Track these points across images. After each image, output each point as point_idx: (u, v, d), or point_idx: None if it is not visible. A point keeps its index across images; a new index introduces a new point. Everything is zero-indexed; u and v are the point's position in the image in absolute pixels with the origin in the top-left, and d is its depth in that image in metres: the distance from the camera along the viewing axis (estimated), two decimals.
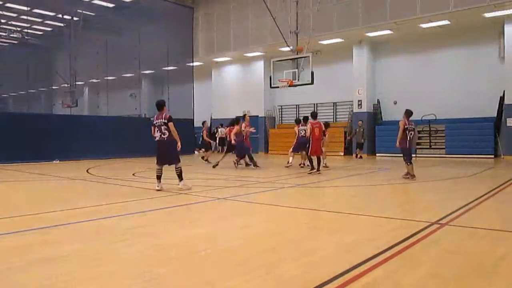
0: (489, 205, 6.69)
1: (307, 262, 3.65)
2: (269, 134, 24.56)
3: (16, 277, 3.35)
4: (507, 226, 5.21)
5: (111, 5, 21.99)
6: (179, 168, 8.41)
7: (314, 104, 23.64)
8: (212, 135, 27.04)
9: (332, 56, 22.28)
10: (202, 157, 16.84)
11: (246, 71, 25.79)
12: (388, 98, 21.05)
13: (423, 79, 19.85)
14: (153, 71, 26.11)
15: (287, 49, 17.31)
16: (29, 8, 20.87)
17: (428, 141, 19.27)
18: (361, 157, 19.11)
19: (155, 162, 8.50)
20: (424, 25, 17.95)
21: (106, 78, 21.99)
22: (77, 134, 17.82)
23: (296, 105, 24.44)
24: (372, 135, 20.51)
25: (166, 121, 8.27)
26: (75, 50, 21.93)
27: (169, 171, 8.75)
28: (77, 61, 22.37)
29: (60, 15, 23.52)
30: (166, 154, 8.40)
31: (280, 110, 25.16)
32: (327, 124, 14.31)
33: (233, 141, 13.76)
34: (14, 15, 23.84)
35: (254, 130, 15.29)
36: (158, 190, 8.21)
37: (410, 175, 10.07)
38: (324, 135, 13.31)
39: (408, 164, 10.08)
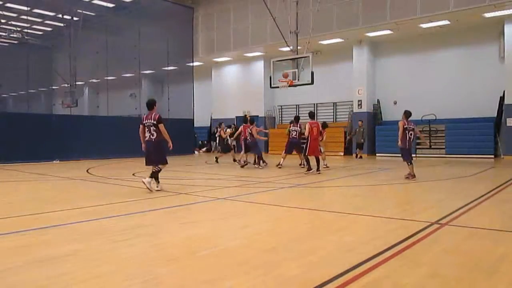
0: (489, 205, 6.69)
1: (307, 262, 3.65)
2: (269, 134, 24.54)
3: (16, 277, 3.35)
4: (507, 226, 5.21)
5: (111, 5, 21.97)
6: (159, 169, 8.24)
7: (314, 104, 23.63)
8: (212, 135, 27.10)
9: (332, 56, 22.30)
10: (216, 158, 16.67)
11: (246, 71, 25.79)
12: (388, 98, 21.04)
13: (423, 79, 19.85)
14: (153, 71, 26.09)
15: (287, 49, 17.31)
16: (29, 8, 20.85)
17: (428, 141, 19.26)
18: (361, 157, 19.11)
19: (144, 162, 8.40)
20: (424, 25, 17.95)
21: (106, 78, 21.96)
22: (77, 134, 17.82)
23: (296, 105, 24.43)
24: (372, 135, 20.51)
25: (155, 122, 8.14)
26: (75, 50, 21.91)
27: (168, 171, 8.75)
28: (77, 61, 22.36)
29: (60, 15, 23.50)
30: (153, 155, 8.25)
31: (280, 110, 25.16)
32: (324, 124, 14.30)
33: (255, 136, 14.32)
34: (14, 15, 23.83)
35: (266, 139, 15.49)
36: (158, 190, 8.18)
37: (410, 175, 10.09)
38: (322, 135, 13.35)
39: (409, 164, 10.12)
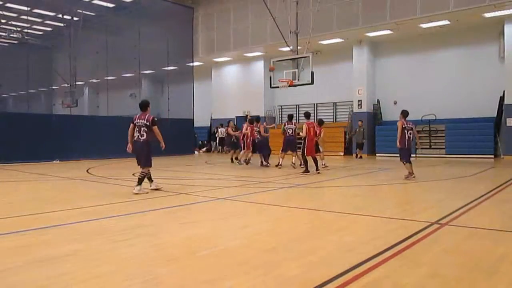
0: (489, 205, 6.69)
1: (307, 262, 3.65)
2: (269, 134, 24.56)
3: (16, 277, 3.35)
4: (507, 226, 5.21)
5: (111, 5, 21.97)
6: (144, 173, 8.09)
7: (314, 104, 23.65)
8: (212, 135, 27.11)
9: (332, 56, 22.30)
10: (235, 158, 16.09)
11: (246, 71, 25.79)
12: (388, 98, 21.04)
13: (423, 79, 19.85)
14: (153, 71, 26.07)
15: (287, 49, 17.31)
16: (29, 8, 20.85)
17: (428, 141, 19.27)
18: (361, 157, 19.11)
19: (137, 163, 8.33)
20: (424, 25, 17.95)
21: (106, 78, 21.95)
22: (77, 134, 17.81)
23: (296, 105, 24.44)
24: (372, 135, 20.51)
25: (148, 123, 7.99)
26: (75, 50, 21.90)
27: (168, 171, 8.75)
28: (77, 61, 22.34)
29: (60, 15, 23.49)
30: (139, 156, 8.16)
31: (280, 110, 25.17)
32: (321, 121, 14.27)
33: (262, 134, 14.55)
34: (14, 15, 23.82)
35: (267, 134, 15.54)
36: (154, 189, 8.18)
37: (410, 174, 10.10)
38: (319, 133, 13.38)
39: (404, 163, 10.17)
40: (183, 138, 22.57)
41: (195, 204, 7.14)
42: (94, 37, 21.67)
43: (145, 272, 3.44)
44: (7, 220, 5.72)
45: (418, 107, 19.43)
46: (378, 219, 5.51)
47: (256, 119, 15.17)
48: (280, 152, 13.96)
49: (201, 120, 26.38)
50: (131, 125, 8.18)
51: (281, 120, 25.17)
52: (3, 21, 25.11)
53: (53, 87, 28.38)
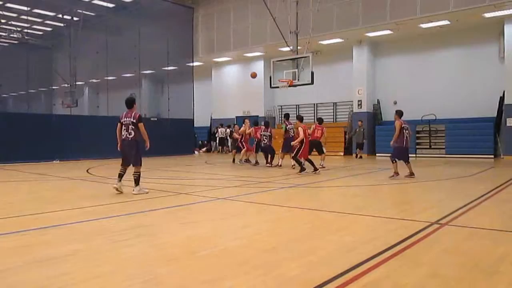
0: (489, 205, 6.69)
1: (307, 262, 3.65)
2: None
3: (16, 277, 3.35)
4: (507, 226, 5.21)
5: (111, 5, 21.97)
6: (138, 173, 7.91)
7: (314, 104, 23.66)
8: (212, 135, 27.10)
9: (332, 56, 22.30)
10: (244, 160, 15.72)
11: (246, 71, 25.77)
12: (388, 98, 21.04)
13: (423, 79, 19.85)
14: (153, 71, 26.07)
15: (287, 49, 17.32)
16: (29, 8, 20.85)
17: (428, 141, 19.27)
18: (361, 157, 19.11)
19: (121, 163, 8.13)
20: (424, 25, 17.95)
21: (106, 78, 21.95)
22: (77, 134, 17.81)
23: (296, 105, 24.44)
24: (372, 135, 20.50)
25: (135, 120, 7.81)
26: (75, 50, 21.90)
27: (168, 171, 8.74)
28: (77, 61, 22.35)
29: (60, 15, 23.49)
30: (129, 155, 7.95)
31: (280, 110, 25.16)
32: (321, 120, 14.25)
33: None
34: (14, 15, 23.81)
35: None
36: (115, 188, 7.78)
37: (395, 174, 10.29)
38: (322, 133, 13.48)
39: (393, 162, 10.33)
40: (183, 138, 22.58)
41: (195, 204, 7.14)
42: (94, 37, 21.67)
43: (145, 272, 3.44)
44: (7, 220, 5.72)
45: (418, 107, 19.45)
46: (378, 219, 5.51)
47: (266, 122, 14.90)
48: (280, 152, 13.98)
49: (201, 120, 26.38)
50: (118, 124, 8.01)
51: (281, 120, 25.18)
52: (3, 21, 25.10)
53: (53, 87, 28.36)
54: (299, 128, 11.73)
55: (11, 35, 25.70)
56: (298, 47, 16.72)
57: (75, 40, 21.61)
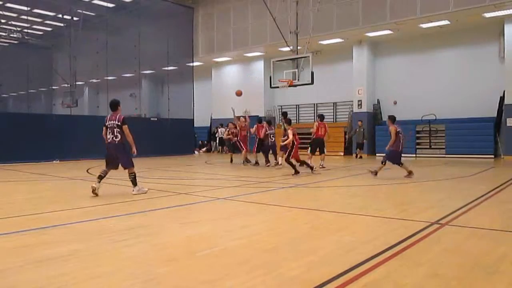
0: (489, 205, 6.69)
1: (307, 262, 3.65)
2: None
3: (16, 277, 3.35)
4: (507, 226, 5.21)
5: (111, 5, 21.97)
6: (133, 174, 7.81)
7: (314, 104, 23.66)
8: (212, 135, 27.10)
9: (332, 56, 22.31)
10: (246, 161, 15.45)
11: (246, 71, 25.79)
12: (388, 98, 21.05)
13: (423, 79, 19.85)
14: (153, 71, 26.08)
15: (287, 49, 17.31)
16: (29, 8, 20.85)
17: (428, 141, 19.27)
18: (361, 157, 19.11)
19: (105, 165, 7.93)
20: (424, 25, 17.95)
21: (106, 78, 21.96)
22: (77, 134, 17.81)
23: (296, 105, 24.45)
24: (372, 135, 20.51)
25: (119, 123, 7.68)
26: (75, 50, 21.91)
27: (168, 171, 8.72)
28: (77, 61, 22.35)
29: (60, 15, 23.50)
30: (117, 158, 7.78)
31: (280, 110, 25.15)
32: (322, 117, 14.22)
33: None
34: (14, 15, 23.83)
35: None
36: (93, 189, 7.51)
37: (374, 173, 10.48)
38: (325, 131, 13.60)
39: (383, 164, 10.54)
40: (183, 138, 22.58)
41: (195, 204, 7.14)
42: (94, 37, 21.67)
43: (145, 272, 3.44)
44: (7, 220, 5.72)
45: (418, 107, 19.47)
46: (378, 219, 5.51)
47: (269, 121, 14.89)
48: (280, 151, 13.99)
49: (201, 120, 26.38)
50: (104, 128, 7.84)
51: (281, 119, 25.18)
52: (3, 21, 25.12)
53: (53, 87, 28.38)
54: (288, 131, 11.78)
55: (11, 35, 25.72)
56: (298, 47, 16.72)
57: (75, 40, 21.63)
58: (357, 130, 19.33)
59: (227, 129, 16.84)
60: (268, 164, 14.32)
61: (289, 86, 16.24)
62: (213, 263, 3.69)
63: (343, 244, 4.29)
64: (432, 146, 19.15)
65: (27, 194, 8.53)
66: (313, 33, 17.04)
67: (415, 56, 20.27)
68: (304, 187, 9.21)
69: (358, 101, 21.11)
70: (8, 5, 22.12)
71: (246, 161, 15.44)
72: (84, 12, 21.77)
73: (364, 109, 20.86)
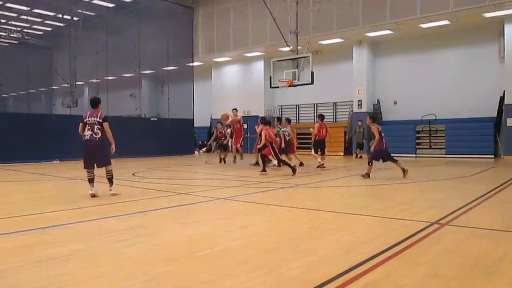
0: (489, 205, 6.69)
1: (307, 262, 3.65)
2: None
3: (16, 277, 3.35)
4: (507, 226, 5.21)
5: (111, 5, 21.98)
6: (110, 172, 7.74)
7: (314, 104, 23.65)
8: (212, 135, 27.08)
9: (332, 56, 22.30)
10: (238, 158, 15.60)
11: (246, 71, 25.79)
12: (388, 98, 21.05)
13: (423, 79, 19.85)
14: (153, 71, 26.08)
15: (287, 49, 17.31)
16: (29, 8, 20.86)
17: (428, 141, 19.28)
18: (361, 157, 19.10)
19: (83, 165, 7.78)
20: (424, 25, 17.95)
21: (106, 78, 21.97)
22: (77, 134, 17.71)
23: (296, 105, 24.44)
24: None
25: (101, 120, 7.61)
26: (75, 50, 21.92)
27: (168, 171, 8.72)
28: (77, 61, 22.36)
29: (60, 15, 23.51)
30: (96, 156, 7.66)
31: (280, 110, 25.16)
32: (322, 116, 14.21)
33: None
34: (14, 15, 23.83)
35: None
36: (92, 195, 7.48)
37: (367, 175, 10.45)
38: (326, 131, 13.67)
39: (370, 165, 10.55)
40: (183, 138, 22.58)
41: (195, 204, 7.14)
42: (94, 37, 21.67)
43: (145, 272, 3.44)
44: (7, 220, 5.72)
45: (418, 107, 19.47)
46: (378, 219, 5.51)
47: (265, 121, 14.83)
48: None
49: (201, 120, 26.37)
50: (81, 124, 7.74)
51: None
52: (3, 21, 25.12)
53: (53, 87, 28.39)
54: (262, 132, 11.98)
55: (11, 35, 25.73)
56: (298, 47, 16.71)
57: (75, 40, 21.63)
58: (357, 130, 19.33)
59: (216, 130, 16.88)
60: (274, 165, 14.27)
61: (289, 86, 16.23)
62: (213, 263, 3.69)
63: (343, 244, 4.29)
64: (432, 146, 19.15)
65: (27, 194, 8.53)
66: (313, 33, 17.03)
67: (415, 56, 20.27)
68: (304, 187, 9.21)
69: (358, 101, 21.11)
70: (8, 5, 22.12)
71: (234, 157, 15.37)
72: (84, 12, 21.77)
73: (364, 109, 20.85)
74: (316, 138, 13.80)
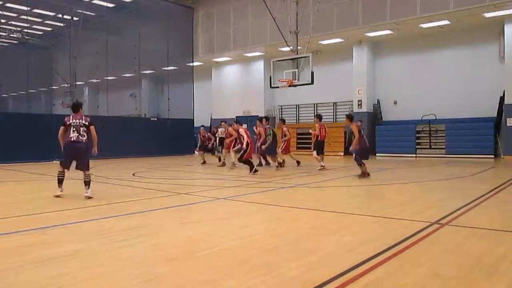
0: (489, 205, 6.69)
1: (307, 262, 3.65)
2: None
3: (16, 277, 3.35)
4: (507, 226, 5.21)
5: (111, 5, 21.99)
6: (89, 175, 7.55)
7: (314, 104, 23.66)
8: (212, 135, 27.06)
9: (332, 56, 22.31)
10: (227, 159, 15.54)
11: (246, 71, 25.80)
12: (388, 98, 21.05)
13: (423, 79, 19.86)
14: (153, 71, 26.09)
15: (287, 49, 17.32)
16: (29, 8, 20.86)
17: (428, 141, 19.28)
18: None
19: (60, 163, 7.77)
20: (424, 25, 17.95)
21: (106, 78, 21.98)
22: None
23: (296, 105, 24.44)
24: (372, 135, 20.49)
25: (87, 123, 7.56)
26: (75, 50, 21.93)
27: (168, 171, 8.72)
28: (77, 61, 22.37)
29: (60, 15, 23.51)
30: (79, 158, 7.57)
31: (280, 110, 25.17)
32: (320, 116, 14.16)
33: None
34: (14, 15, 23.84)
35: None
36: (58, 195, 7.43)
37: (364, 175, 10.49)
38: (325, 133, 13.54)
39: (362, 166, 10.57)
40: (183, 138, 22.59)
41: (195, 204, 7.14)
42: (94, 37, 21.68)
43: (145, 272, 3.44)
44: (7, 220, 5.71)
45: (418, 107, 19.48)
46: (378, 219, 5.51)
47: (265, 117, 14.91)
48: (280, 152, 14.01)
49: (201, 120, 26.34)
50: (62, 127, 7.61)
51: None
52: (3, 21, 25.12)
53: (53, 87, 28.40)
54: (240, 130, 12.08)
55: (11, 35, 25.73)
56: (298, 47, 16.72)
57: (75, 40, 21.62)
58: None
59: (199, 134, 17.08)
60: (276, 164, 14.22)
61: (289, 86, 16.24)
62: (213, 263, 3.69)
63: (343, 244, 4.29)
64: (432, 146, 19.15)
65: (27, 194, 8.54)
66: (313, 33, 17.04)
67: (415, 56, 20.27)
68: (304, 187, 9.21)
69: (358, 101, 21.11)
70: (8, 5, 22.13)
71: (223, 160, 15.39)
72: (84, 12, 21.77)
73: (364, 109, 20.86)
74: (319, 139, 13.72)
